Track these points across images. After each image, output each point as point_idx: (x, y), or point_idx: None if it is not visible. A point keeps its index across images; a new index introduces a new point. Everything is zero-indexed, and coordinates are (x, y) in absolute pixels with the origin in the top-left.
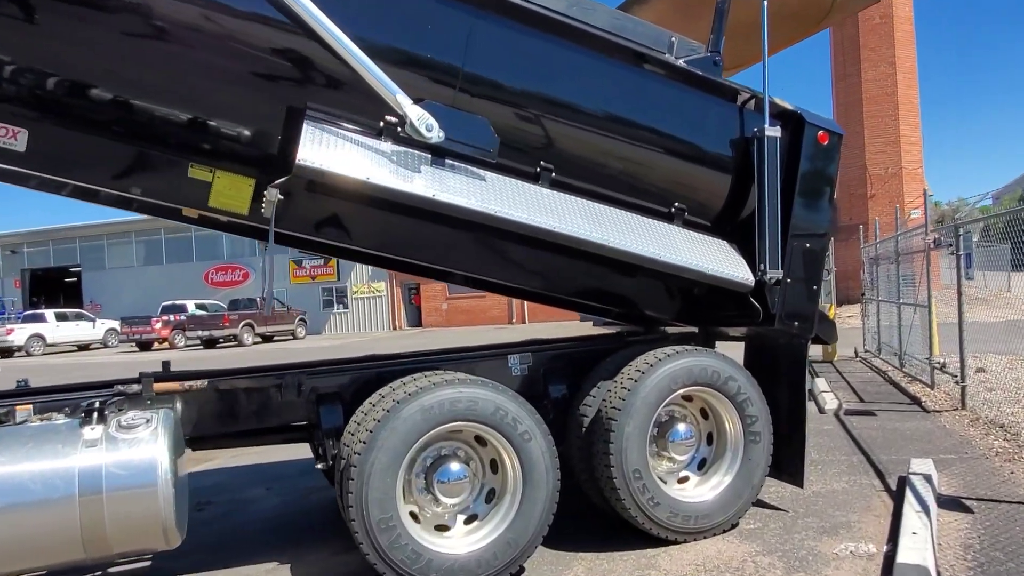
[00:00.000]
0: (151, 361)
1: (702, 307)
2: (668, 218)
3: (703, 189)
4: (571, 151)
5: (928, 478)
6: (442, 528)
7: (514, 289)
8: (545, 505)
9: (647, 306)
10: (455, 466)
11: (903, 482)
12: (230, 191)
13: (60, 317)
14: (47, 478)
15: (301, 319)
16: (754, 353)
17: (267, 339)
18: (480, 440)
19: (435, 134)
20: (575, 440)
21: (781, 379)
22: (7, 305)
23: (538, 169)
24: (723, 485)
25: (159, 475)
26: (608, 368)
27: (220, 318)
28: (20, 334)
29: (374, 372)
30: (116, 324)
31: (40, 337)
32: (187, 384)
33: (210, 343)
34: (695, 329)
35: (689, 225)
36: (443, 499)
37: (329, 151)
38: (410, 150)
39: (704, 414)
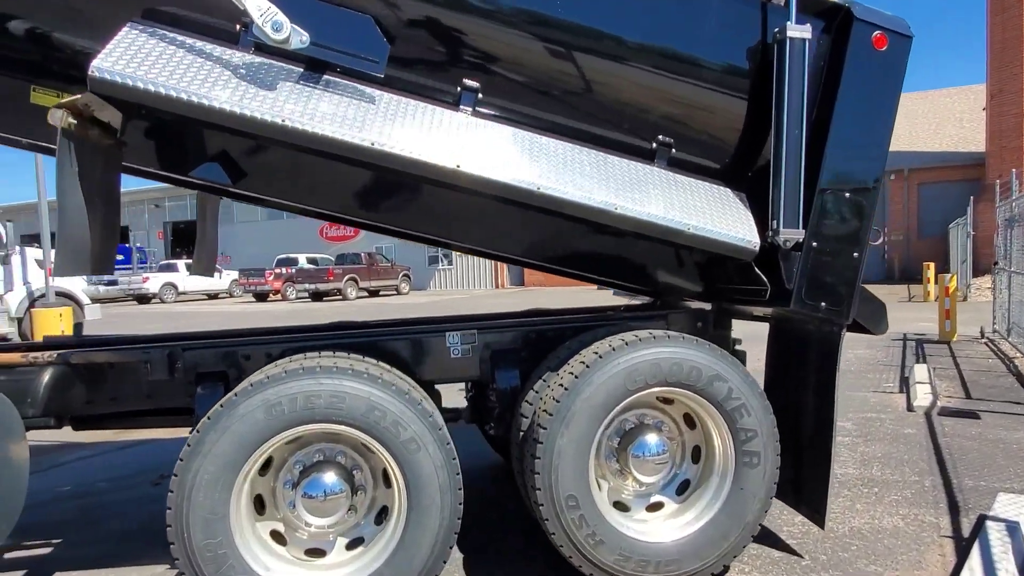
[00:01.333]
0: (260, 312)
1: (712, 277)
2: (647, 156)
3: (699, 117)
4: (504, 61)
5: (1015, 529)
6: (316, 553)
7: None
8: (438, 535)
9: (631, 274)
10: (328, 478)
11: (979, 526)
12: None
13: (190, 267)
14: None
15: (405, 275)
16: (779, 340)
17: (373, 293)
18: (367, 447)
19: (288, 36)
20: (513, 449)
21: (808, 378)
22: (148, 255)
23: (459, 89)
24: (703, 520)
25: None
26: (560, 355)
27: (325, 272)
28: (155, 282)
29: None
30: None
31: (172, 286)
32: (31, 356)
33: (317, 296)
34: (708, 306)
35: (680, 166)
36: (307, 517)
37: (143, 61)
38: (274, 62)
39: (689, 422)
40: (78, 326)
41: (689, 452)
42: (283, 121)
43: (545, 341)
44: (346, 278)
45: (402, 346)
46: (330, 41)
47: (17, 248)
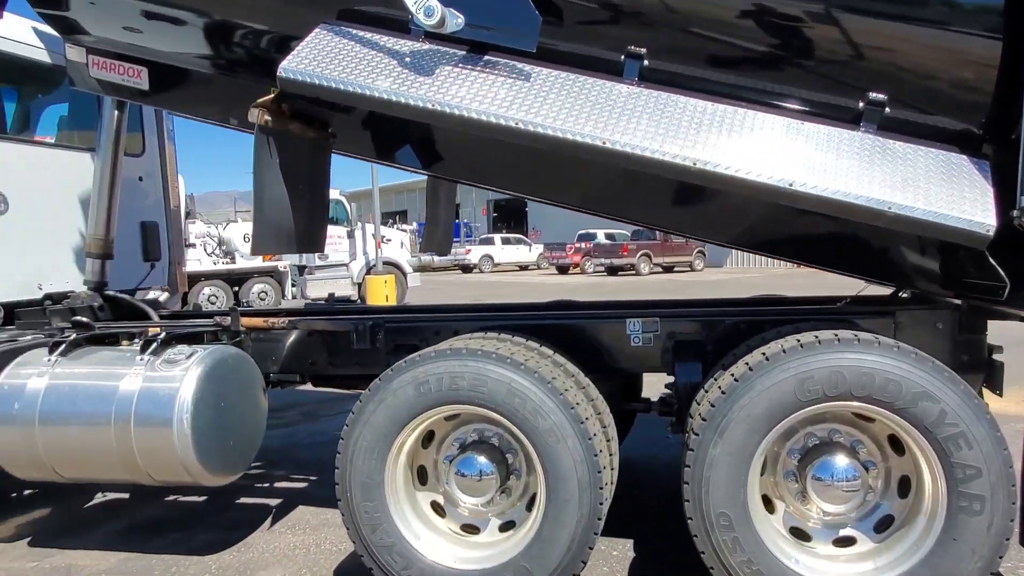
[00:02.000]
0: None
1: (943, 268)
2: (850, 118)
3: (930, 64)
4: (676, 13)
5: None
6: (471, 529)
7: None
8: (575, 534)
9: (837, 260)
10: (480, 458)
11: None
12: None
13: (505, 241)
14: (95, 399)
15: (700, 251)
16: None
17: (667, 269)
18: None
19: (441, 19)
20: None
21: None
22: (473, 230)
23: (623, 58)
24: (897, 570)
25: (174, 412)
26: (738, 352)
27: (619, 247)
28: (475, 254)
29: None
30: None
31: (489, 257)
32: (270, 321)
33: (612, 271)
34: (957, 301)
35: (895, 129)
36: (459, 495)
37: (326, 59)
38: (440, 47)
39: (897, 446)
40: (331, 295)
41: (895, 483)
42: (434, 106)
43: (736, 334)
44: (639, 253)
45: (580, 331)
46: (485, 20)
47: (360, 224)
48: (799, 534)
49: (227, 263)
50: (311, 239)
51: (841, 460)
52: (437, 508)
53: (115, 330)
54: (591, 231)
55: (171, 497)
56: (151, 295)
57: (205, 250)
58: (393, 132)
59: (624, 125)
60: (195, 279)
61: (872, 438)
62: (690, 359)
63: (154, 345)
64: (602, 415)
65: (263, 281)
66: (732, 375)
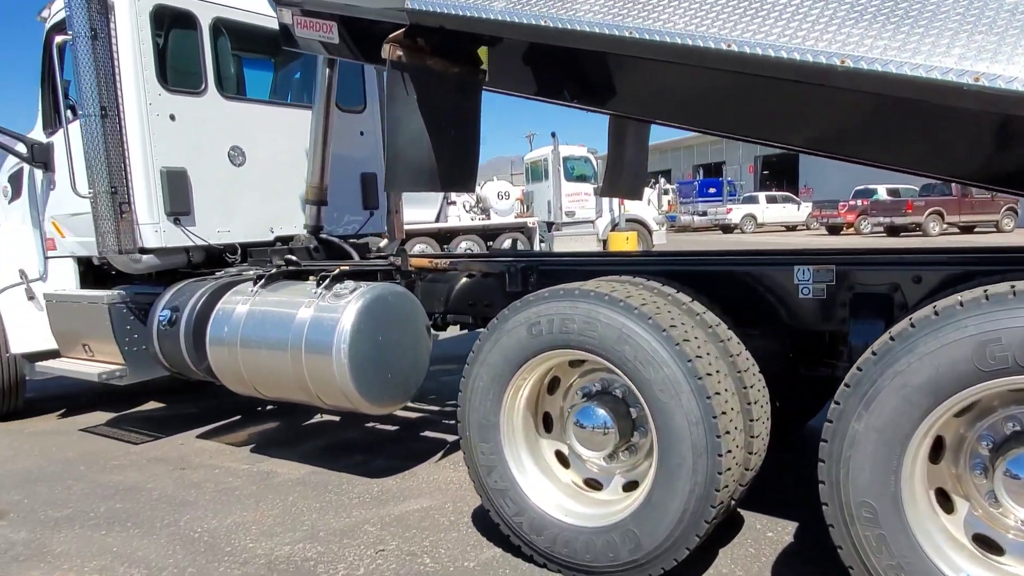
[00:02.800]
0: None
1: None
2: None
3: None
4: None
5: None
6: (594, 485)
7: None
8: (688, 503)
9: None
10: (600, 410)
11: None
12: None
13: (770, 200)
14: (278, 325)
15: (1010, 208)
16: None
17: (965, 229)
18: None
19: None
20: None
21: None
22: (737, 188)
23: None
24: None
25: (334, 340)
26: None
27: (903, 204)
28: (736, 214)
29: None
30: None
31: (752, 217)
32: (434, 262)
33: (893, 231)
34: None
35: None
36: (578, 447)
37: None
38: None
39: None
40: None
41: None
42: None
43: (931, 288)
44: (928, 211)
45: (735, 278)
46: None
47: None
48: (987, 544)
49: (483, 219)
50: (458, 178)
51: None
52: (562, 458)
53: (306, 267)
54: (871, 186)
55: (370, 424)
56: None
57: (464, 207)
58: (554, 64)
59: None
60: (454, 234)
61: None
62: (870, 316)
63: (327, 280)
64: (744, 374)
65: (513, 236)
66: (890, 334)
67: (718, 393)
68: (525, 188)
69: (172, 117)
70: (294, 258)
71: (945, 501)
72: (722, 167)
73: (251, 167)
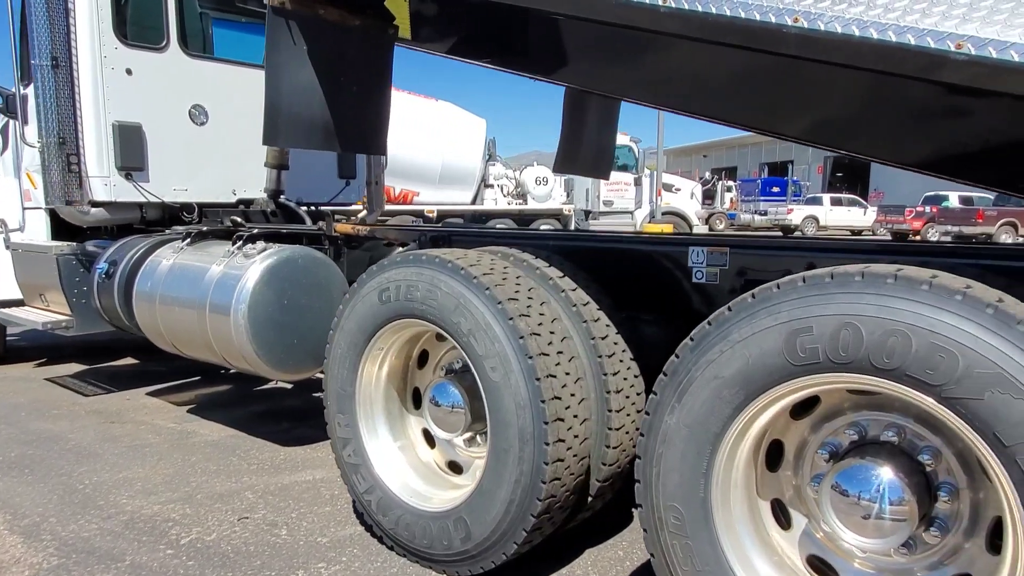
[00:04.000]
0: None
1: None
2: None
3: None
4: None
5: None
6: (456, 469)
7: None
8: (514, 493)
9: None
10: (453, 388)
11: None
12: (398, 13)
13: (835, 202)
14: (189, 283)
15: None
16: None
17: None
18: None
19: None
20: None
21: None
22: (803, 188)
23: None
24: None
25: (232, 300)
26: None
27: (974, 213)
28: (797, 215)
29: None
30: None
31: (814, 219)
32: (358, 229)
33: (961, 240)
34: None
35: None
36: (434, 427)
37: None
38: None
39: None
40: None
41: (986, 526)
42: None
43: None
44: (1001, 222)
45: (626, 259)
46: None
47: (647, 171)
48: (825, 569)
49: (520, 204)
50: (361, 139)
51: (882, 470)
52: (429, 438)
53: (229, 228)
54: (942, 193)
55: (318, 393)
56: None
57: (502, 191)
58: (484, 24)
59: None
60: (488, 217)
61: (956, 451)
62: None
63: (241, 241)
64: (606, 360)
65: (548, 223)
66: (708, 321)
67: (552, 376)
68: (566, 175)
69: (128, 71)
70: (239, 219)
71: (783, 514)
72: (789, 166)
73: (214, 127)
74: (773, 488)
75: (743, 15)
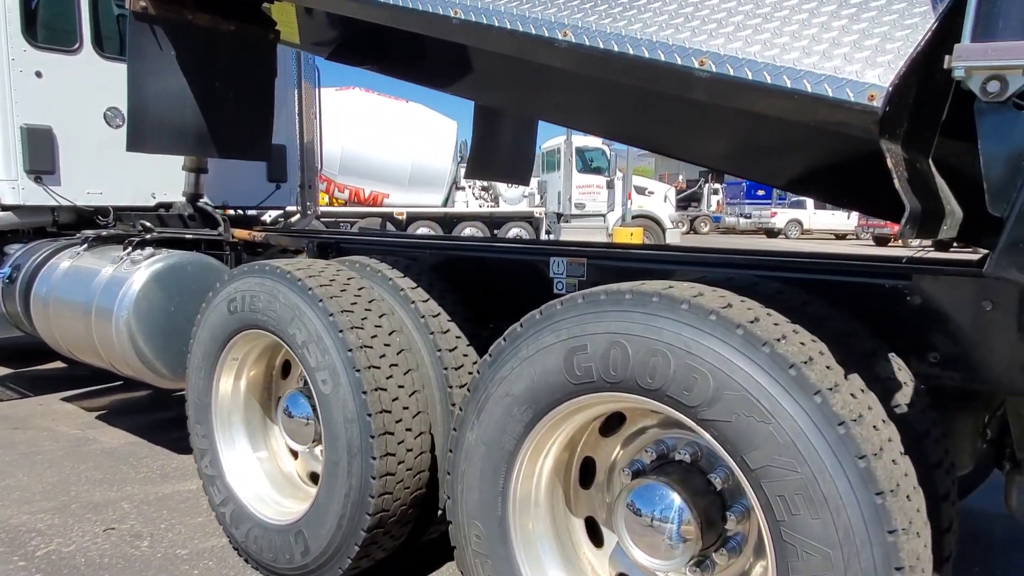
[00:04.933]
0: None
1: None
2: None
3: None
4: None
5: None
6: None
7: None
8: (345, 508)
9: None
10: (304, 400)
11: None
12: (284, 18)
13: (819, 206)
14: (79, 288)
15: None
16: None
17: None
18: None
19: None
20: None
21: None
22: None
23: None
24: None
25: (115, 307)
26: None
27: None
28: (781, 218)
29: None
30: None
31: (798, 222)
32: (254, 234)
33: (943, 246)
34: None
35: None
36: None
37: None
38: None
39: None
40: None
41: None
42: None
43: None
44: None
45: (488, 269)
46: None
47: (619, 174)
48: None
49: (491, 206)
50: (240, 145)
51: (670, 490)
52: (292, 448)
53: (123, 232)
54: None
55: None
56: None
57: (473, 193)
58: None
59: None
60: (458, 219)
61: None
62: None
63: (132, 246)
64: (452, 372)
65: (519, 225)
66: (504, 336)
67: (382, 389)
68: (539, 178)
69: (38, 74)
70: (148, 224)
71: (598, 533)
72: None
73: None
74: (587, 506)
75: (520, 28)
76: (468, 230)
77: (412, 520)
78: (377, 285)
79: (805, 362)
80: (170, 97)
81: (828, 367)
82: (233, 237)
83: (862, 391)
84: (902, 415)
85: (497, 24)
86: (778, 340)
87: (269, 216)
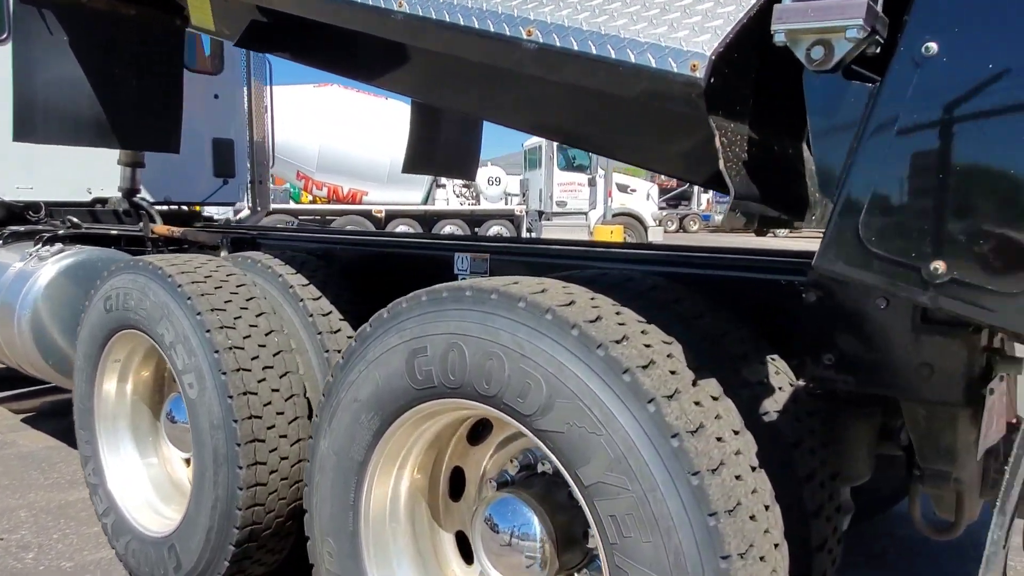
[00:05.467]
0: None
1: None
2: None
3: None
4: None
5: None
6: None
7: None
8: (212, 520)
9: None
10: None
11: None
12: (196, 2)
13: None
14: None
15: None
16: None
17: None
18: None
19: None
20: None
21: None
22: None
23: None
24: None
25: (17, 305)
26: None
27: None
28: None
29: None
30: None
31: None
32: (175, 231)
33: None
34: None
35: None
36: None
37: None
38: None
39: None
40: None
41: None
42: None
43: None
44: None
45: (392, 264)
46: None
47: (601, 172)
48: None
49: (472, 204)
50: (142, 136)
51: (526, 505)
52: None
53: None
54: None
55: None
56: (243, 213)
57: (454, 191)
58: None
59: None
60: (439, 217)
61: None
62: None
63: (41, 243)
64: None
65: (500, 223)
66: (354, 337)
67: (251, 393)
68: (522, 176)
69: None
70: (77, 220)
71: (468, 548)
72: None
73: None
74: (458, 520)
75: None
76: (448, 228)
77: (293, 532)
78: (267, 282)
79: (644, 366)
80: (63, 85)
81: (674, 372)
82: (152, 233)
83: (714, 398)
84: (769, 423)
85: None
86: (617, 342)
87: (230, 213)
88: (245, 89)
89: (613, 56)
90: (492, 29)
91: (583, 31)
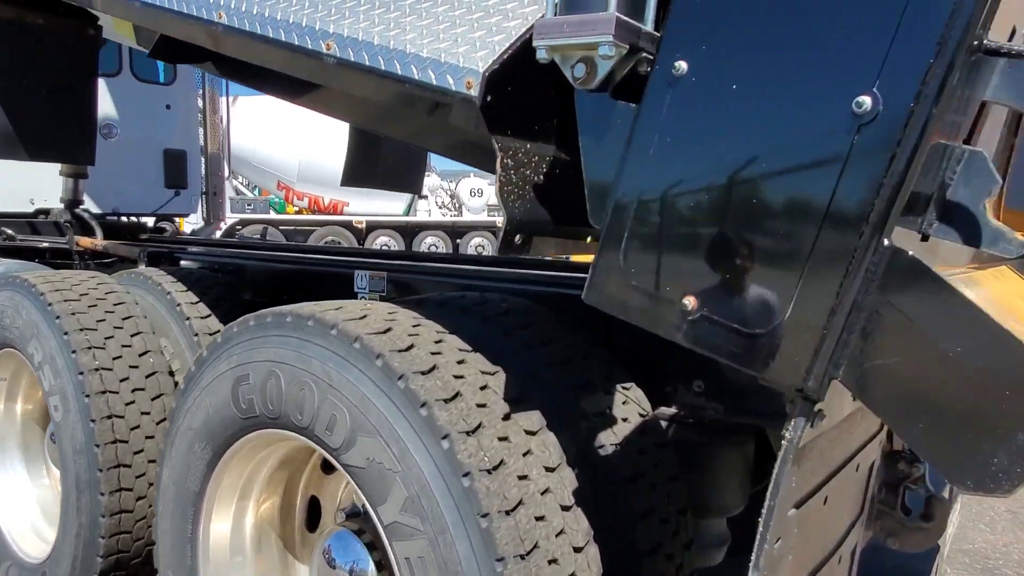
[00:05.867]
0: None
1: None
2: None
3: None
4: None
5: None
6: None
7: None
8: (77, 548)
9: None
10: None
11: None
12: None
13: None
14: None
15: None
16: None
17: None
18: None
19: None
20: None
21: None
22: None
23: None
24: None
25: None
26: None
27: None
28: None
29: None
30: None
31: None
32: (98, 244)
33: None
34: None
35: None
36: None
37: None
38: None
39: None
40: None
41: None
42: None
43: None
44: None
45: (294, 281)
46: None
47: None
48: None
49: (455, 216)
50: (54, 147)
51: (352, 541)
52: None
53: None
54: None
55: None
56: (198, 225)
57: (436, 203)
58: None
59: None
60: (419, 228)
61: None
62: None
63: None
64: None
65: (482, 235)
66: (195, 362)
67: (117, 416)
68: None
69: None
70: (10, 232)
71: None
72: None
73: None
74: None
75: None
76: (429, 239)
77: None
78: (156, 300)
79: (447, 399)
80: None
81: (482, 405)
82: (77, 245)
83: (529, 432)
84: (604, 457)
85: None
86: (423, 373)
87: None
88: (199, 98)
89: (399, 71)
90: (296, 42)
91: (374, 45)
